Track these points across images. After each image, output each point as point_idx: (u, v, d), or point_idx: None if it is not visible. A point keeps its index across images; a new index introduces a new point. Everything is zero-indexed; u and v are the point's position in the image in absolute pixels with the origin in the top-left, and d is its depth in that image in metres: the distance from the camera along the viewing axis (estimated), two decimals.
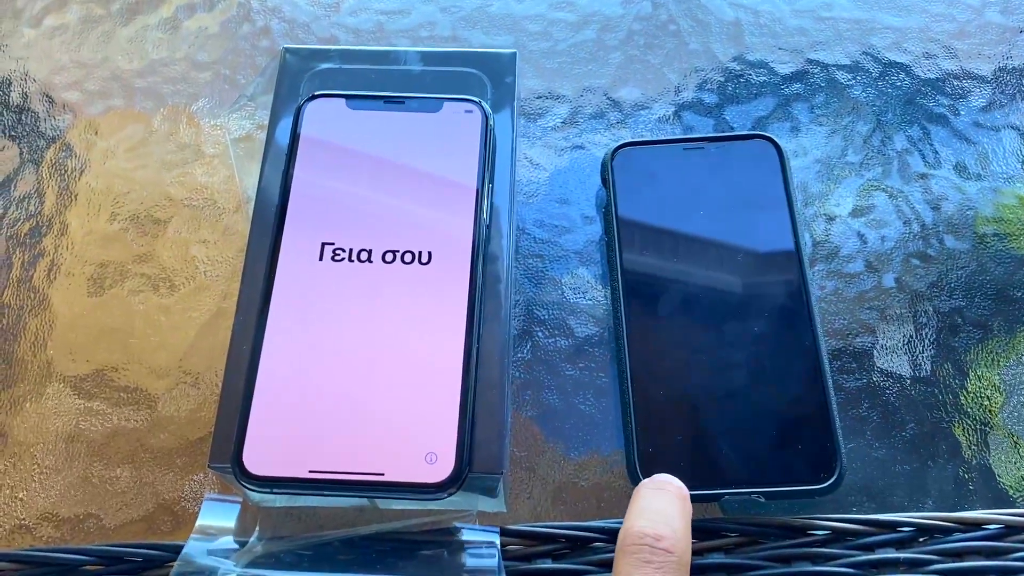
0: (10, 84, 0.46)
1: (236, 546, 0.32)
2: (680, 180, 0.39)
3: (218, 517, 0.32)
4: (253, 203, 0.36)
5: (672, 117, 0.44)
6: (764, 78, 0.45)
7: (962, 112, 0.44)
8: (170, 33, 0.47)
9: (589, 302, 0.39)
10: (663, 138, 0.40)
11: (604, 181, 0.40)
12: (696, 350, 0.35)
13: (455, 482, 0.29)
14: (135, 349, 0.39)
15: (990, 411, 0.37)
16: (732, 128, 0.43)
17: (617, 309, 0.36)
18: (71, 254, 0.41)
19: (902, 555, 0.32)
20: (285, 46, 0.39)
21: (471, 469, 0.30)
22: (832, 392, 0.34)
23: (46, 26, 0.48)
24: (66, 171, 0.43)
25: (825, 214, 0.41)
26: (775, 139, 0.39)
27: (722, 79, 0.45)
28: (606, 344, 0.38)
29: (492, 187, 0.35)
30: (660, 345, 0.35)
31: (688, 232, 0.37)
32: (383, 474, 0.29)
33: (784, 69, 0.45)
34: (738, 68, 0.45)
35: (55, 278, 0.40)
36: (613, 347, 0.37)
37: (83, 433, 0.37)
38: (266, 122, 0.40)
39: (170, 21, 0.48)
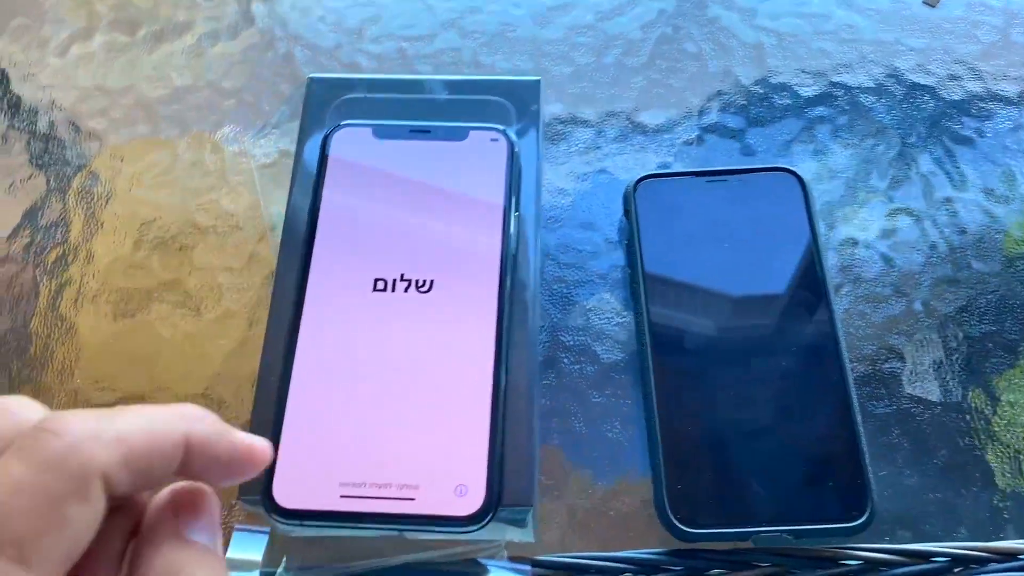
0: (36, 113, 0.46)
1: None
2: (703, 212, 0.39)
3: (247, 549, 0.32)
4: (280, 231, 0.36)
5: (695, 140, 0.44)
6: (787, 101, 0.45)
7: (988, 134, 0.43)
8: (194, 60, 0.48)
9: (615, 327, 0.39)
10: (685, 171, 0.40)
11: (627, 212, 0.39)
12: (723, 386, 0.35)
13: (486, 515, 0.29)
14: (161, 377, 0.39)
15: (1023, 438, 0.36)
16: (756, 151, 0.43)
17: (643, 343, 0.36)
18: (97, 282, 0.41)
19: None
20: (311, 76, 0.40)
21: (501, 501, 0.29)
22: (861, 428, 0.33)
23: (72, 55, 0.48)
24: (92, 199, 0.43)
25: (851, 238, 0.41)
26: (797, 171, 0.39)
27: (745, 102, 0.45)
28: (632, 370, 0.38)
29: (519, 214, 0.35)
30: (687, 381, 0.35)
31: (712, 266, 0.37)
32: (413, 506, 0.29)
33: (807, 92, 0.45)
34: (761, 91, 0.45)
35: (82, 306, 0.40)
36: (639, 381, 0.37)
37: None
38: (290, 149, 0.40)
39: (194, 48, 0.48)
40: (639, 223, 0.39)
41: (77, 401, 0.38)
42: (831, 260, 0.40)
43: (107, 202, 0.43)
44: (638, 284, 0.37)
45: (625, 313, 0.39)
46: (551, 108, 0.45)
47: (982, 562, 0.33)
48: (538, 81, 0.39)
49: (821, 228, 0.38)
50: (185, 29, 0.49)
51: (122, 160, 0.45)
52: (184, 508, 0.20)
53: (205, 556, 0.19)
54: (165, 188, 0.44)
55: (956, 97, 0.45)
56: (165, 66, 0.48)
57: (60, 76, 0.48)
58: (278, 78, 0.47)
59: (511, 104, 0.38)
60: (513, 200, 0.35)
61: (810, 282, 0.37)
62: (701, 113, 0.45)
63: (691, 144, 0.44)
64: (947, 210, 0.41)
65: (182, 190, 0.43)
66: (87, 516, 0.17)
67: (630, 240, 0.39)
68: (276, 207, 0.41)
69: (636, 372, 0.38)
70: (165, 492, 0.20)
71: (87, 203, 0.43)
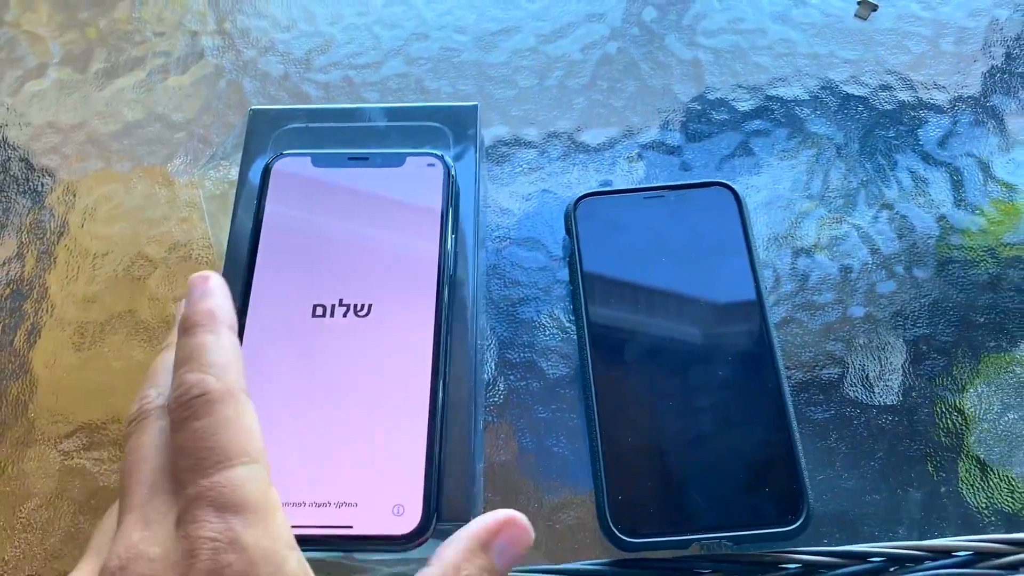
0: None
1: None
2: (642, 228, 0.39)
3: None
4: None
5: (636, 158, 0.45)
6: (725, 116, 0.46)
7: (921, 142, 0.45)
8: (145, 94, 0.48)
9: (560, 343, 0.40)
10: (624, 188, 0.41)
11: (568, 231, 0.40)
12: (662, 397, 0.36)
13: (423, 533, 0.29)
14: (117, 407, 0.39)
15: (957, 437, 0.37)
16: (695, 167, 0.44)
17: (584, 358, 0.37)
18: (51, 317, 0.42)
19: None
20: (252, 107, 0.40)
21: (440, 518, 0.30)
22: (797, 434, 0.34)
23: (25, 92, 0.49)
24: (45, 234, 0.44)
25: (790, 248, 0.42)
26: (733, 186, 0.40)
27: (684, 119, 0.46)
28: (578, 384, 0.39)
29: (455, 237, 0.36)
30: (627, 394, 0.36)
31: (651, 280, 0.38)
32: (351, 527, 0.29)
33: (744, 106, 0.46)
34: (699, 107, 0.46)
35: (35, 341, 0.41)
36: (581, 395, 0.38)
37: (67, 492, 0.37)
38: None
39: (145, 83, 0.49)
40: (579, 240, 0.40)
41: (33, 433, 0.38)
42: (769, 270, 0.41)
43: (60, 237, 0.44)
44: (578, 299, 0.38)
45: (570, 328, 0.40)
46: (495, 130, 0.46)
47: (917, 560, 0.33)
48: (475, 106, 0.40)
49: (756, 240, 0.39)
50: (136, 64, 0.50)
51: (75, 195, 0.45)
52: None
53: None
54: (118, 221, 0.44)
55: (888, 107, 0.46)
56: (116, 101, 0.48)
57: (13, 114, 0.48)
58: (228, 109, 0.48)
59: (449, 129, 0.39)
60: (450, 222, 0.35)
61: (745, 293, 0.38)
62: (641, 131, 0.46)
63: (632, 161, 0.45)
64: (882, 217, 0.43)
65: (134, 223, 0.44)
66: None
67: (571, 257, 0.40)
68: (225, 236, 0.42)
69: (580, 387, 0.38)
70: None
71: (40, 239, 0.44)
